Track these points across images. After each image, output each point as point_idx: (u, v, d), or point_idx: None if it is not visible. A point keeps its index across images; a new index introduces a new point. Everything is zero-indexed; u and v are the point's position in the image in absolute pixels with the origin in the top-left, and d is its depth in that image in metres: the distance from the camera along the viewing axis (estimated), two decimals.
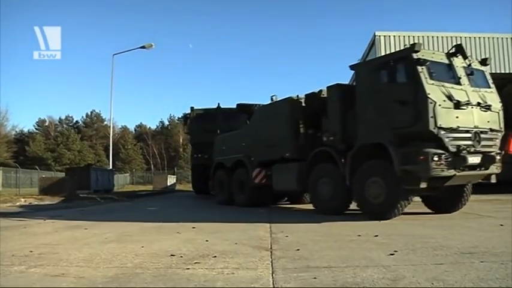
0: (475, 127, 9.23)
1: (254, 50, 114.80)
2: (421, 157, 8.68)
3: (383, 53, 17.45)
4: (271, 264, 4.83)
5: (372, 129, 9.81)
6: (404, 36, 18.52)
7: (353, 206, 10.58)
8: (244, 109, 18.13)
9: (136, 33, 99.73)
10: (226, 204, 15.51)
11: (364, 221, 9.23)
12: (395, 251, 5.36)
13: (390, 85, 9.51)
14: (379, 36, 18.12)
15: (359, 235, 7.04)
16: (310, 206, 13.10)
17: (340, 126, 10.82)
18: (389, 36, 18.20)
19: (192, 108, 22.56)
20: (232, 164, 15.46)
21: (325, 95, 11.71)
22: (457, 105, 8.96)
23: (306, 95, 12.61)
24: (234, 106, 20.19)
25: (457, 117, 8.98)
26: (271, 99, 14.35)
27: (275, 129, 13.20)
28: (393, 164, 9.11)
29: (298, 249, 5.73)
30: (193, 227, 8.59)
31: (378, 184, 9.58)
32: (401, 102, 9.13)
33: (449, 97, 8.97)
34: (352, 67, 11.19)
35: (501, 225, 8.04)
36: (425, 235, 7.08)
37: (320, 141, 11.46)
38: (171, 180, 45.03)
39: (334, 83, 11.52)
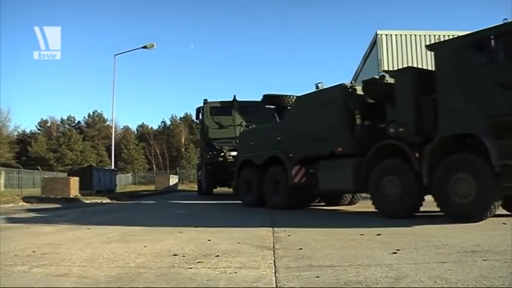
0: None
1: (256, 49, 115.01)
2: None
3: (385, 53, 17.52)
4: (274, 264, 4.82)
5: (459, 118, 8.72)
6: (406, 34, 18.49)
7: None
8: (271, 100, 16.43)
9: (138, 33, 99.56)
10: (255, 206, 14.04)
11: (367, 220, 9.23)
12: (397, 250, 5.36)
13: (487, 66, 8.38)
14: (381, 35, 18.06)
15: (361, 234, 7.03)
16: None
17: (414, 116, 9.60)
18: (391, 35, 18.14)
19: (205, 101, 20.74)
20: (264, 162, 13.93)
21: (389, 81, 10.48)
22: None
23: (364, 81, 11.13)
24: (251, 99, 19.83)
25: None
26: (317, 86, 12.75)
27: (324, 120, 11.66)
28: (487, 158, 8.05)
29: (300, 249, 5.73)
30: (196, 226, 8.59)
31: (466, 181, 8.45)
32: (503, 86, 7.95)
33: None
34: (430, 47, 10.40)
35: (504, 223, 8.03)
36: (427, 234, 7.07)
37: (380, 133, 10.28)
38: (173, 180, 45.12)
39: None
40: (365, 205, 12.89)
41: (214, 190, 23.55)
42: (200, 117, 21.30)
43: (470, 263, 4.57)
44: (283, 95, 15.91)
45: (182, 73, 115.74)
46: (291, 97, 15.19)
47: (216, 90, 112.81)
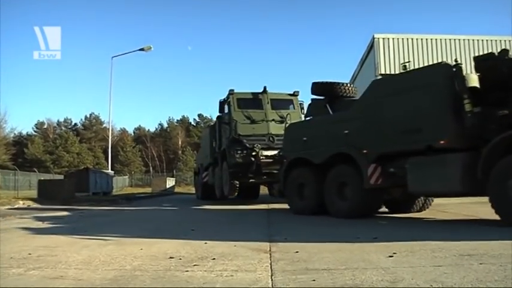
0: None
1: (253, 51, 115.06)
2: None
3: (382, 56, 17.62)
4: (270, 267, 4.81)
5: None
6: (403, 38, 18.62)
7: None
8: (322, 89, 13.37)
9: (136, 35, 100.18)
10: (310, 213, 11.60)
11: (363, 224, 9.23)
12: (394, 253, 5.35)
13: None
14: (378, 38, 18.19)
15: (358, 237, 7.03)
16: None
17: None
18: (388, 38, 18.28)
19: (231, 91, 17.44)
20: (326, 160, 11.41)
21: None
22: None
23: (476, 58, 9.41)
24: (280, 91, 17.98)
25: None
26: (404, 67, 11.25)
27: (417, 107, 9.41)
28: None
29: (297, 252, 5.71)
30: (192, 229, 8.59)
31: None
32: None
33: None
34: None
35: (499, 226, 8.04)
36: (424, 237, 7.06)
37: (499, 122, 8.39)
38: (170, 182, 45.15)
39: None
40: None
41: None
42: (225, 110, 17.78)
43: (467, 267, 4.57)
44: (337, 82, 13.38)
45: (179, 76, 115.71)
46: (347, 85, 13.08)
47: (214, 93, 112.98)
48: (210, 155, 20.19)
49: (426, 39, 18.85)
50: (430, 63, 18.47)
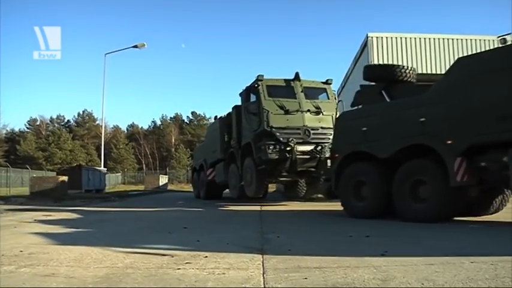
0: None
1: (247, 49, 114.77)
2: None
3: (375, 55, 17.67)
4: (262, 265, 4.81)
5: None
6: (396, 37, 18.67)
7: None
8: (379, 73, 11.49)
9: (130, 32, 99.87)
10: (372, 216, 9.93)
11: (355, 222, 9.27)
12: (386, 252, 5.36)
13: None
14: (372, 37, 18.23)
15: (350, 236, 7.06)
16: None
17: None
18: (382, 37, 18.32)
19: (260, 77, 15.06)
20: (394, 153, 9.68)
21: None
22: None
23: None
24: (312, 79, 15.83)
25: None
26: (504, 40, 8.93)
27: None
28: None
29: (289, 250, 5.72)
30: (185, 227, 8.58)
31: None
32: None
33: None
34: None
35: (490, 226, 8.09)
36: (416, 235, 7.12)
37: None
38: (163, 180, 45.03)
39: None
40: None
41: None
42: (251, 99, 15.58)
43: (458, 265, 4.59)
44: (396, 65, 11.72)
45: (173, 73, 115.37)
46: (406, 67, 11.22)
47: (207, 91, 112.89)
48: (221, 150, 18.25)
49: (420, 39, 18.92)
50: (424, 62, 18.68)
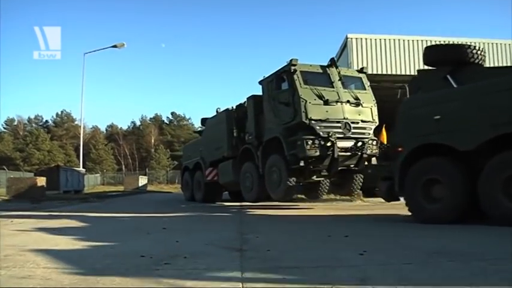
0: None
1: (228, 51, 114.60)
2: None
3: (355, 56, 17.78)
4: (241, 265, 4.80)
5: None
6: (376, 39, 18.82)
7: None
8: (445, 55, 9.89)
9: (109, 31, 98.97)
10: (450, 220, 8.36)
11: (335, 222, 9.32)
12: (364, 251, 5.38)
13: None
14: (351, 38, 18.34)
15: (329, 236, 7.08)
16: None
17: None
18: (361, 38, 18.45)
19: (293, 61, 12.80)
20: (481, 144, 8.09)
21: None
22: None
23: None
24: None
25: None
26: None
27: None
28: None
29: (268, 250, 5.72)
30: (164, 228, 8.53)
31: None
32: None
33: None
34: None
35: (469, 225, 8.19)
36: (395, 235, 7.19)
37: None
38: (142, 181, 44.71)
39: None
40: (335, 207, 12.93)
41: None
42: (284, 86, 13.22)
43: (435, 264, 4.63)
44: (465, 45, 10.09)
45: (153, 73, 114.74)
46: (475, 48, 9.79)
47: (187, 92, 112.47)
48: (228, 147, 16.23)
49: (399, 40, 19.10)
50: (403, 64, 18.85)
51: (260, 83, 14.30)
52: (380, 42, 18.80)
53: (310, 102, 12.24)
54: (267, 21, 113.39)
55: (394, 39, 18.97)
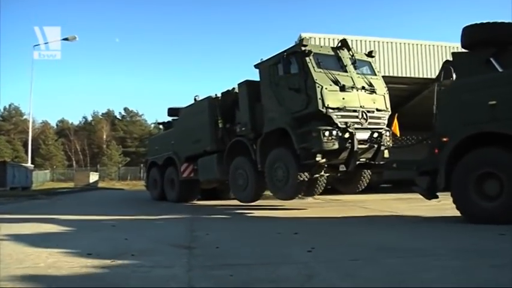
0: None
1: (181, 46, 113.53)
2: None
3: None
4: (189, 262, 4.78)
5: None
6: (329, 38, 18.96)
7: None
8: (488, 33, 8.58)
9: (63, 24, 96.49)
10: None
11: (286, 219, 9.39)
12: (313, 248, 5.44)
13: None
14: (305, 37, 18.42)
15: (279, 233, 7.14)
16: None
17: None
18: (315, 38, 18.57)
19: (304, 41, 11.42)
20: None
21: None
22: None
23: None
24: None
25: None
26: None
27: None
28: None
29: (217, 247, 5.72)
30: (113, 225, 8.42)
31: None
32: None
33: None
34: None
35: (415, 223, 8.42)
36: (344, 232, 7.30)
37: None
38: (93, 177, 43.95)
39: None
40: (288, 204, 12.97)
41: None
42: (293, 70, 11.28)
43: (381, 261, 4.75)
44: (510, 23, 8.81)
45: (106, 68, 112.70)
46: None
47: (140, 87, 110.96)
48: (212, 140, 14.38)
49: (352, 40, 19.30)
50: None
51: (257, 66, 12.60)
52: (334, 42, 18.96)
53: (326, 88, 10.58)
54: (218, 19, 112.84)
55: (347, 39, 19.22)
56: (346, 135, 10.59)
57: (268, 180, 11.79)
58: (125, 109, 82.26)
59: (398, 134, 12.72)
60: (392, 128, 12.27)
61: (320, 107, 10.43)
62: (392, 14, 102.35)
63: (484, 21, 8.53)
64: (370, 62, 12.20)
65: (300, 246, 5.69)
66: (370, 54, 12.40)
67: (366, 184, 12.62)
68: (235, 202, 13.94)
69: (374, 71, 12.06)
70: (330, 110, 10.52)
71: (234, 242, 6.35)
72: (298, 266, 4.51)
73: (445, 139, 8.33)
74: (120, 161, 67.70)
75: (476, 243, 5.77)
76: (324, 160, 10.75)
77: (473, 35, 8.74)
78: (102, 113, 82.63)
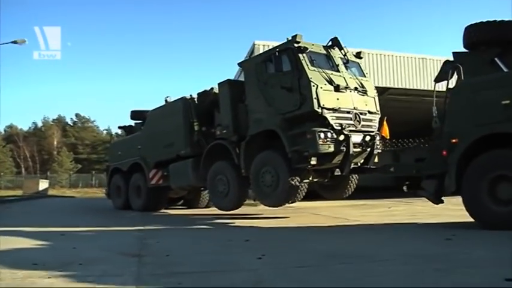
0: None
1: (132, 51, 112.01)
2: None
3: None
4: (138, 271, 4.74)
5: None
6: None
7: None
8: (490, 35, 8.56)
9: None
10: None
11: (238, 226, 9.41)
12: (263, 255, 5.48)
13: None
14: (259, 45, 18.53)
15: (230, 240, 7.16)
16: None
17: None
18: (268, 45, 18.64)
19: (296, 38, 10.47)
20: None
21: None
22: None
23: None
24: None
25: None
26: None
27: None
28: None
29: (167, 255, 5.70)
30: (62, 234, 8.24)
31: None
32: None
33: None
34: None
35: (366, 230, 8.59)
36: (294, 239, 7.38)
37: None
38: (43, 184, 42.79)
39: None
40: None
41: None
42: (285, 67, 10.48)
43: (329, 267, 4.83)
44: None
45: (56, 73, 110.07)
46: None
47: (92, 92, 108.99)
48: (186, 143, 13.35)
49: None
50: None
51: (240, 64, 12.25)
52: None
53: (321, 88, 9.98)
54: (169, 29, 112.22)
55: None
56: (341, 137, 10.04)
57: (255, 186, 10.93)
58: (77, 115, 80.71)
59: (388, 137, 12.35)
60: (382, 132, 11.91)
61: (315, 107, 9.78)
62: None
63: (487, 20, 8.33)
64: (358, 63, 11.74)
65: (250, 253, 5.72)
66: (358, 55, 11.88)
67: (353, 190, 12.06)
68: (205, 211, 13.83)
69: (363, 73, 11.65)
70: (326, 111, 9.93)
71: (185, 249, 6.33)
72: (248, 273, 4.55)
73: (454, 140, 7.94)
74: (71, 167, 66.19)
75: (423, 248, 5.95)
76: (316, 164, 10.04)
77: (476, 34, 8.51)
78: (53, 119, 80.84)
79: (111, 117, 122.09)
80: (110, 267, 4.95)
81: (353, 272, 4.58)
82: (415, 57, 20.89)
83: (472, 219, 7.60)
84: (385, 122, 11.99)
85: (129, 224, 10.47)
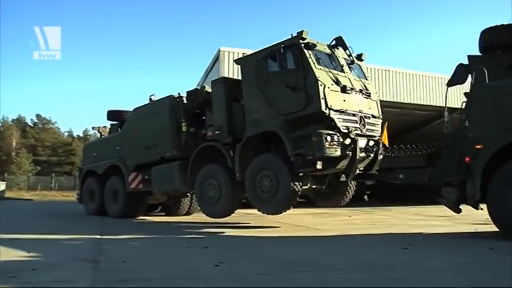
0: None
1: (100, 52, 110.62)
2: None
3: (226, 69, 17.94)
4: (93, 277, 4.66)
5: None
6: (247, 53, 19.19)
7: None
8: (506, 38, 8.48)
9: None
10: None
11: (196, 234, 9.36)
12: (221, 263, 5.46)
13: None
14: (224, 51, 18.57)
15: (189, 247, 7.12)
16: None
17: None
18: (233, 52, 18.74)
19: (303, 34, 9.76)
20: None
21: None
22: None
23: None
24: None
25: None
26: None
27: None
28: None
29: (124, 261, 5.62)
30: (16, 239, 8.03)
31: None
32: None
33: None
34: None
35: (324, 237, 8.65)
36: (253, 246, 7.39)
37: None
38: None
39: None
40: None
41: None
42: (288, 65, 9.84)
43: (286, 275, 4.86)
44: None
45: (17, 72, 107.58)
46: None
47: (53, 93, 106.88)
48: (173, 145, 12.50)
49: None
50: None
51: (238, 62, 11.59)
52: None
53: (328, 88, 9.40)
54: (134, 33, 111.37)
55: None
56: (347, 141, 9.51)
57: (251, 191, 10.17)
58: (37, 116, 79.09)
59: (387, 144, 11.95)
60: (382, 138, 11.38)
61: (323, 108, 9.18)
62: None
63: (505, 23, 8.18)
64: (360, 66, 11.24)
65: (208, 261, 5.70)
66: (360, 57, 11.28)
67: (351, 197, 11.53)
68: (185, 218, 13.31)
69: (365, 75, 11.18)
70: (333, 112, 9.37)
71: (143, 256, 6.27)
72: (204, 280, 4.54)
73: (478, 146, 7.55)
74: (30, 169, 64.76)
75: (380, 257, 6.05)
76: (321, 168, 9.44)
77: (493, 38, 8.31)
78: (13, 119, 79.00)
79: (72, 119, 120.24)
80: (64, 273, 4.86)
81: (310, 279, 4.62)
82: (405, 72, 21.39)
83: (429, 231, 7.77)
84: (385, 128, 11.57)
85: (89, 230, 10.27)
